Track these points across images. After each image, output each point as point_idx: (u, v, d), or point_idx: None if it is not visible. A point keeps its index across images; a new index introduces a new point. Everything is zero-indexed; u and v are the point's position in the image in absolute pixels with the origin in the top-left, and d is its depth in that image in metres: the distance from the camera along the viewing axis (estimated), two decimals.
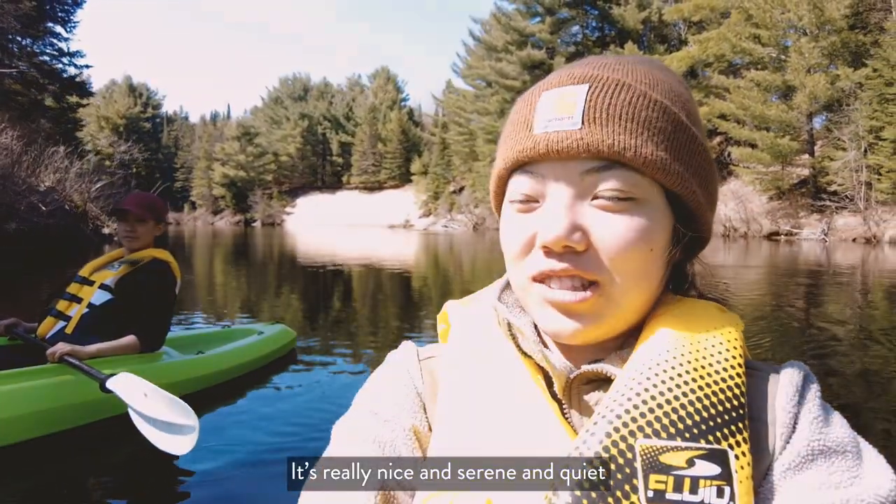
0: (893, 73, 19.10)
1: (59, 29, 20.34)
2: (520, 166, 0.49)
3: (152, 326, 2.69)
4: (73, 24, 20.45)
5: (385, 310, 6.77)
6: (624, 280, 0.46)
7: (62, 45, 20.75)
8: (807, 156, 23.67)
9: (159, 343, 2.76)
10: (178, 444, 2.05)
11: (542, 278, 0.48)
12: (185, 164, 70.61)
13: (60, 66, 21.07)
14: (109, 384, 2.23)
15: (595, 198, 0.46)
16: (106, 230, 15.08)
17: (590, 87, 0.46)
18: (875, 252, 15.30)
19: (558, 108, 0.46)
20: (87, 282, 2.69)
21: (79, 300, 2.64)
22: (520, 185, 0.49)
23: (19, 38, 18.94)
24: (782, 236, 22.18)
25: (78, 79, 21.68)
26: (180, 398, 2.12)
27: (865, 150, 20.08)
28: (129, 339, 2.61)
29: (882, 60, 19.68)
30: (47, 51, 20.55)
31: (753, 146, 23.89)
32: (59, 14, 20.04)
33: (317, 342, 4.67)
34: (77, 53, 21.09)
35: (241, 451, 2.40)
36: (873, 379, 3.73)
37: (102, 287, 2.64)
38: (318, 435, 2.54)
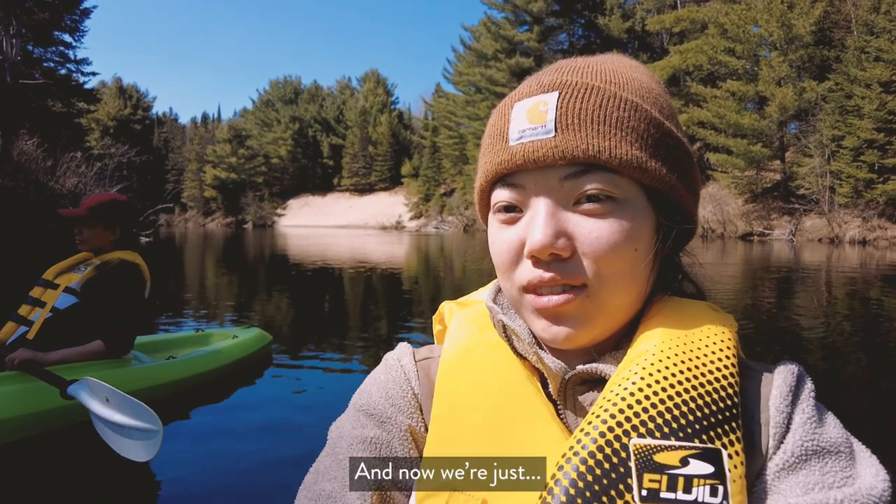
0: (852, 87, 20.51)
1: (67, 38, 20.98)
2: (500, 178, 0.50)
3: (120, 330, 2.55)
4: (81, 34, 21.10)
5: (375, 311, 6.56)
6: (611, 282, 0.47)
7: (69, 53, 21.39)
8: (778, 161, 25.01)
9: (128, 347, 2.63)
10: (141, 450, 1.99)
11: (531, 288, 0.48)
12: (176, 167, 69.84)
13: (66, 71, 21.66)
14: (70, 390, 2.16)
15: (577, 202, 0.46)
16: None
17: (560, 94, 0.47)
18: (838, 251, 16.23)
19: (531, 117, 0.47)
20: (52, 285, 2.56)
21: (42, 304, 2.50)
22: (502, 196, 0.49)
23: (22, 45, 19.45)
24: (755, 237, 23.37)
25: (86, 86, 22.34)
26: (150, 404, 2.03)
27: (829, 157, 21.48)
28: (96, 343, 2.49)
29: (843, 75, 21.12)
30: (55, 59, 21.17)
31: (729, 152, 25.13)
32: (68, 23, 20.68)
33: (300, 345, 4.52)
34: (84, 61, 21.75)
35: (212, 457, 2.33)
36: (852, 372, 3.80)
37: (67, 290, 2.50)
38: (291, 441, 2.53)
